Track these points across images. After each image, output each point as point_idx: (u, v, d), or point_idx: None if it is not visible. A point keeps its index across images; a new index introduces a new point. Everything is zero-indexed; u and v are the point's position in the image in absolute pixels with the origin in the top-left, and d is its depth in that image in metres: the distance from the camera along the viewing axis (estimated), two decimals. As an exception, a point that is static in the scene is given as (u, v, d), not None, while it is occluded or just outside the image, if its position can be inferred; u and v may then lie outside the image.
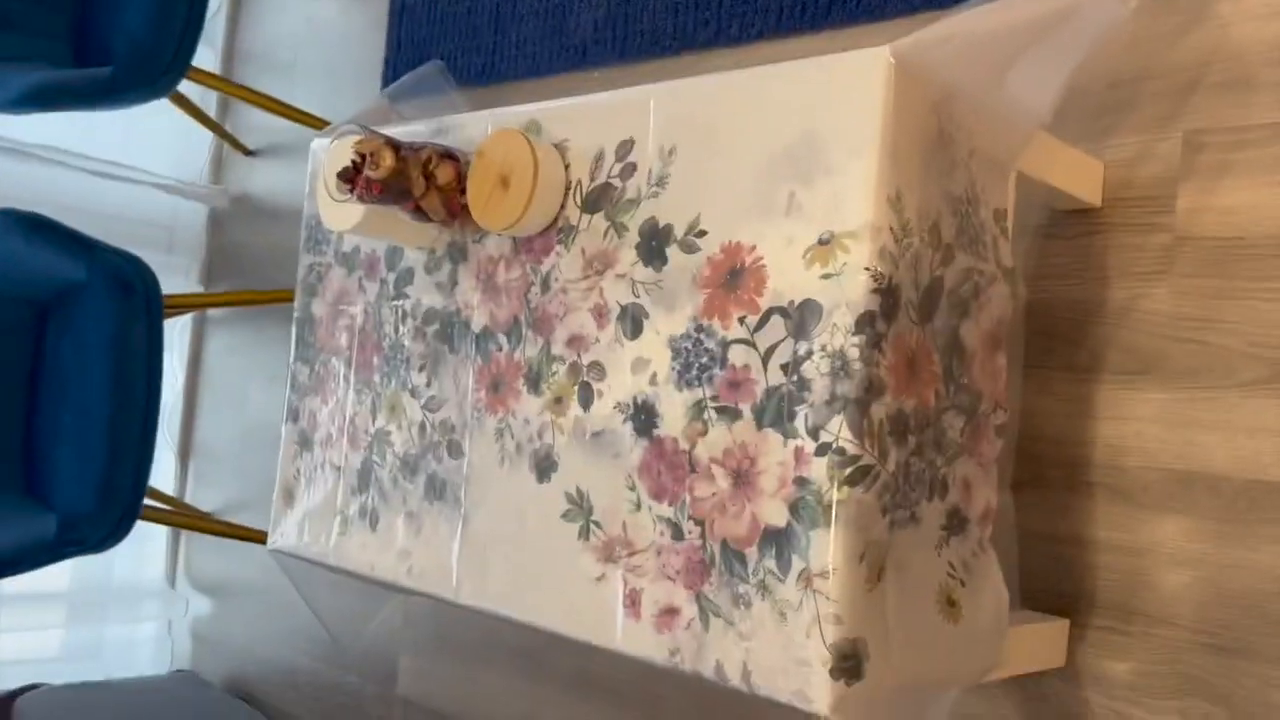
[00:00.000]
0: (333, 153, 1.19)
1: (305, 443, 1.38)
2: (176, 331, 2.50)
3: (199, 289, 2.50)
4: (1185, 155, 1.12)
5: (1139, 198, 1.15)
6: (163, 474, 2.46)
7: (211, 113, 2.46)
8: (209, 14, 1.88)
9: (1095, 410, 1.15)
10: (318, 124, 2.10)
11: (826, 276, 0.88)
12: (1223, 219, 1.09)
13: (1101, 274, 1.16)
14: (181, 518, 2.19)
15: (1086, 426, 1.16)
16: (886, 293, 0.86)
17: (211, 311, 2.49)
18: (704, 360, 0.95)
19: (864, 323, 0.85)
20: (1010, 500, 1.07)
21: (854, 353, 0.85)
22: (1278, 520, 1.04)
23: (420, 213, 1.14)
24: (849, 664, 0.85)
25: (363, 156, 1.10)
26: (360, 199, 1.10)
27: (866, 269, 0.85)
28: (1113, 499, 1.14)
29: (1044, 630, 1.12)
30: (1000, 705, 1.19)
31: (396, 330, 1.27)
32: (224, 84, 2.16)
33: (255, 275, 2.38)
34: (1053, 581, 1.16)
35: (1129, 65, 1.16)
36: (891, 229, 0.86)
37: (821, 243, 0.88)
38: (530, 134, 1.10)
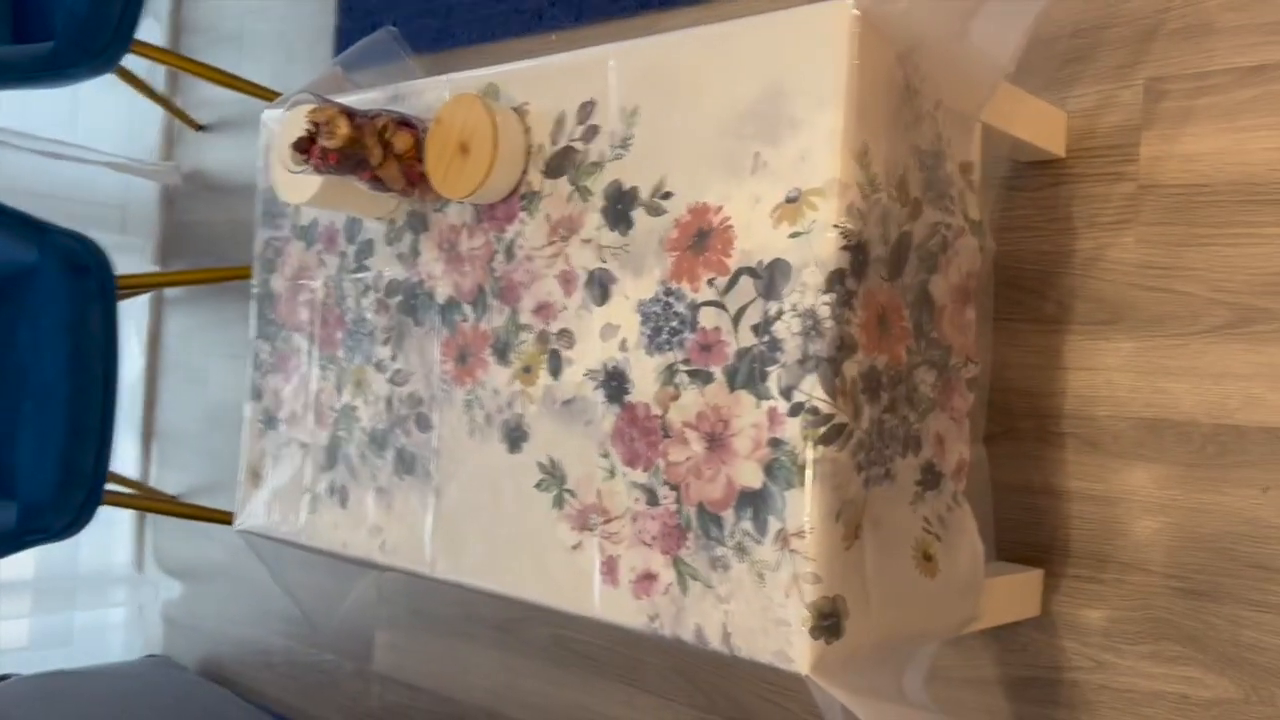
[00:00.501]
0: (286, 124, 1.16)
1: (270, 421, 1.36)
2: (133, 312, 2.46)
3: (154, 268, 2.45)
4: (1147, 103, 1.12)
5: (1102, 147, 1.14)
6: (125, 458, 2.43)
7: (159, 88, 2.40)
8: (152, -15, 1.84)
9: (1064, 361, 1.16)
10: (269, 95, 2.06)
11: (795, 235, 0.87)
12: (1186, 166, 1.09)
13: (1067, 225, 1.16)
14: (146, 501, 2.16)
15: (1056, 377, 1.16)
16: (855, 249, 0.85)
17: (168, 291, 2.44)
18: (674, 324, 0.94)
19: (834, 280, 0.85)
20: (983, 453, 1.07)
21: (825, 311, 0.85)
22: (1246, 464, 1.05)
23: (378, 182, 1.11)
24: (828, 622, 0.85)
25: (317, 126, 1.08)
26: (316, 170, 1.08)
27: (835, 226, 0.84)
28: (1083, 449, 1.14)
29: (1019, 581, 1.13)
30: (978, 657, 1.20)
31: (359, 303, 1.25)
32: (171, 57, 2.11)
33: (211, 252, 2.34)
34: (1026, 532, 1.17)
35: (1089, 14, 1.16)
36: (859, 185, 0.85)
37: (789, 201, 0.87)
38: (488, 98, 1.08)
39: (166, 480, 2.41)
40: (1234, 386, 1.06)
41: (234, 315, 2.27)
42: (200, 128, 2.38)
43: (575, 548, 1.01)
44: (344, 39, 2.03)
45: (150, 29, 2.42)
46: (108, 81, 1.98)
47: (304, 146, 1.07)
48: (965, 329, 0.99)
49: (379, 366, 1.22)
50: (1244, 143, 1.06)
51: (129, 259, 2.38)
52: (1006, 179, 1.20)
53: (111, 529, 2.40)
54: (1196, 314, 1.08)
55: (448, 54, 1.84)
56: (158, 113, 2.41)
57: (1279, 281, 1.04)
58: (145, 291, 2.37)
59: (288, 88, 2.05)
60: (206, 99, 2.37)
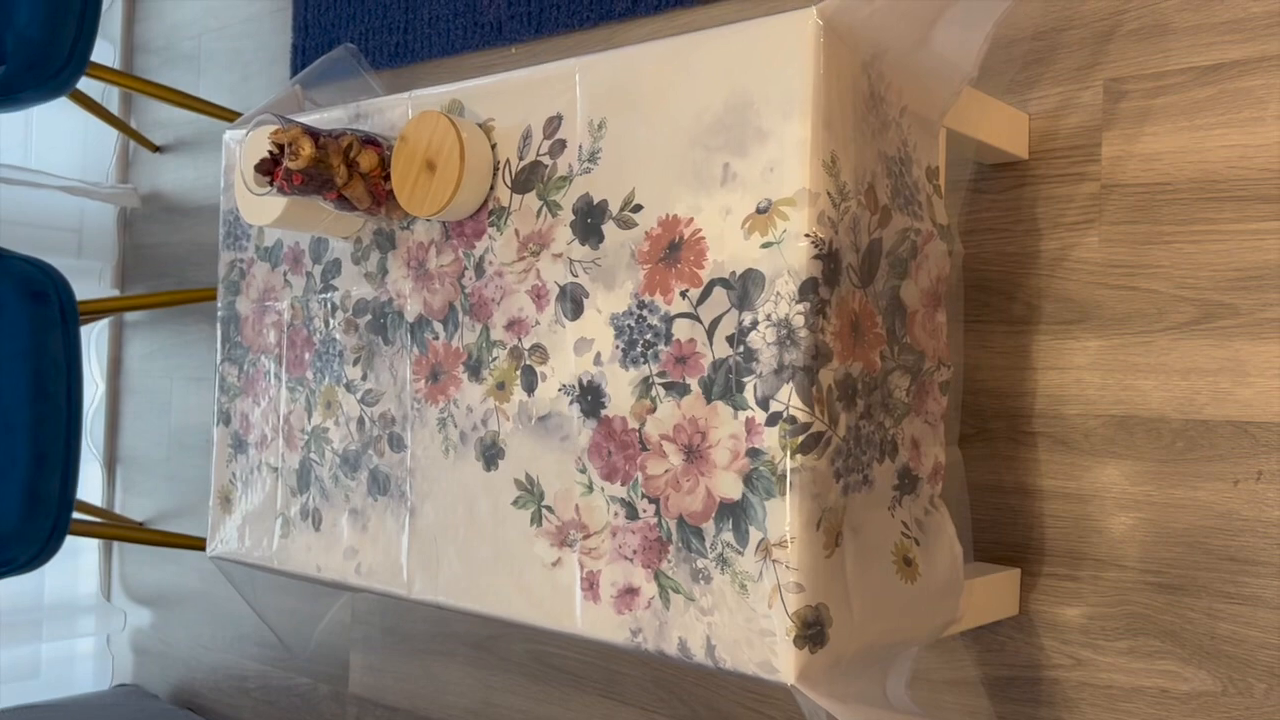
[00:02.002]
0: (249, 144, 1.15)
1: (239, 445, 1.35)
2: (93, 338, 2.42)
3: (113, 292, 2.42)
4: (1107, 103, 1.13)
5: (1064, 148, 1.16)
6: (90, 486, 2.39)
7: (114, 109, 2.37)
8: (104, 6, 1.81)
9: (1033, 361, 1.17)
10: (227, 115, 2.04)
11: (767, 245, 0.87)
12: (1147, 165, 1.11)
13: (1032, 226, 1.17)
14: (113, 529, 2.12)
15: (1026, 377, 1.17)
16: (827, 258, 0.85)
17: (129, 315, 2.41)
18: (648, 337, 0.94)
19: (807, 289, 0.85)
20: (958, 455, 1.08)
21: (799, 320, 0.85)
22: (1215, 458, 1.06)
23: (344, 202, 1.10)
24: (812, 631, 0.85)
25: (280, 147, 1.06)
26: (281, 191, 1.07)
27: (806, 235, 0.85)
28: (1055, 447, 1.15)
29: (997, 581, 1.14)
30: (958, 658, 1.20)
31: (327, 324, 1.23)
32: (126, 79, 2.08)
33: (171, 275, 2.31)
34: (1002, 532, 1.18)
35: (1048, 17, 1.17)
36: (829, 193, 0.85)
37: (759, 211, 0.87)
38: (453, 114, 1.07)
39: (132, 506, 2.37)
40: (1201, 382, 1.07)
41: (195, 337, 2.24)
42: (157, 149, 2.35)
43: (555, 564, 1.00)
44: (301, 57, 2.01)
45: (103, 50, 2.39)
46: (61, 103, 1.95)
47: (267, 168, 1.06)
48: (937, 333, 1.00)
49: (349, 387, 1.21)
50: (1203, 141, 1.08)
51: (87, 283, 2.35)
52: (971, 182, 1.21)
53: (77, 558, 2.36)
54: (1162, 311, 1.09)
55: (407, 69, 1.83)
56: (113, 134, 2.38)
57: (1242, 277, 1.05)
58: (105, 316, 2.33)
59: (246, 107, 2.04)
60: (162, 120, 2.35)
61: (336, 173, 1.07)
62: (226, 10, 2.24)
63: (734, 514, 0.88)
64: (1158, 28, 1.11)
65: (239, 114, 1.98)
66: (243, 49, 2.19)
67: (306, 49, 2.00)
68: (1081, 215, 1.14)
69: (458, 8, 1.76)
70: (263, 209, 1.18)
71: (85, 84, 1.97)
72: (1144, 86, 1.11)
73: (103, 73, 1.92)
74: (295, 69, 2.03)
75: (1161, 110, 1.10)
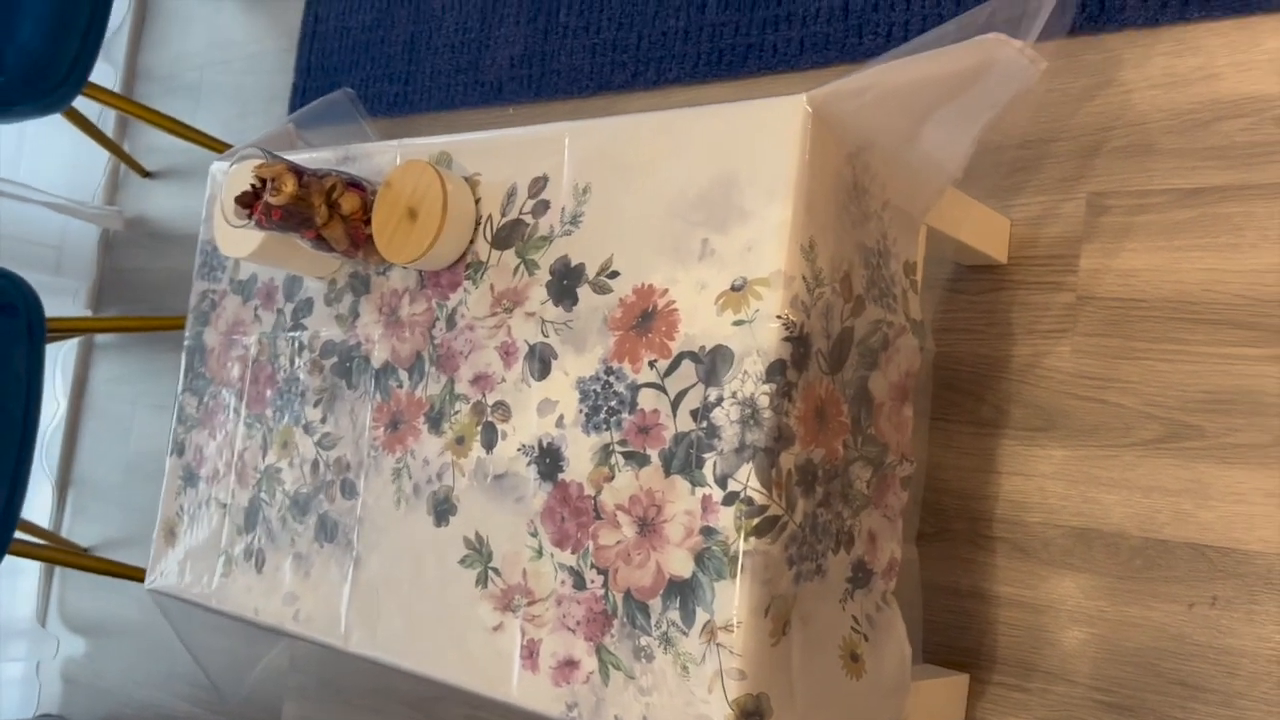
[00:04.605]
0: (232, 176, 1.15)
1: (190, 478, 1.32)
2: (60, 356, 2.39)
3: (86, 313, 2.39)
4: (1088, 217, 1.15)
5: (1044, 256, 1.16)
6: (39, 506, 2.34)
7: (110, 131, 2.37)
8: (111, 30, 1.82)
9: (998, 465, 1.16)
10: (220, 147, 2.04)
11: (739, 323, 0.86)
12: (1123, 280, 1.12)
13: (1006, 330, 1.17)
14: (55, 553, 2.07)
15: (990, 481, 1.16)
16: (798, 341, 0.85)
17: (100, 337, 2.38)
18: (613, 403, 0.93)
19: (775, 370, 0.84)
20: (914, 553, 1.06)
21: (764, 400, 0.84)
22: (1172, 579, 1.05)
23: (322, 242, 1.10)
24: (751, 720, 0.82)
25: (263, 181, 1.06)
26: (259, 225, 1.06)
27: (779, 317, 0.84)
28: (1014, 554, 1.14)
29: (944, 685, 1.12)
30: (900, 761, 1.18)
31: (292, 363, 1.22)
32: (122, 102, 2.09)
33: (148, 301, 2.29)
34: (954, 636, 1.16)
35: (1037, 125, 1.19)
36: (804, 278, 0.85)
37: (734, 289, 0.87)
38: (441, 166, 1.07)
39: (80, 531, 2.32)
40: (1163, 501, 1.07)
41: (164, 365, 2.22)
42: (147, 174, 2.35)
43: (496, 629, 0.98)
44: (301, 98, 2.02)
45: (104, 72, 2.40)
46: (55, 120, 1.95)
47: (248, 201, 1.06)
48: (902, 427, 0.99)
49: (308, 429, 1.19)
50: (1180, 262, 1.09)
51: (61, 301, 2.33)
52: (949, 281, 1.22)
53: (16, 579, 2.31)
54: (1129, 426, 1.09)
55: (404, 119, 1.84)
56: (104, 156, 2.38)
57: (1210, 400, 1.05)
58: (75, 335, 2.31)
59: (240, 141, 2.04)
60: (156, 146, 2.35)
61: (317, 212, 1.06)
62: (233, 45, 2.25)
63: (682, 592, 0.86)
64: (1143, 147, 1.13)
65: (232, 146, 1.99)
66: (244, 84, 2.20)
67: (307, 90, 2.01)
68: (1056, 324, 1.15)
69: (460, 64, 1.78)
70: (240, 241, 1.17)
71: (83, 104, 1.97)
72: (1126, 203, 1.13)
73: (100, 94, 1.92)
74: (293, 108, 2.04)
75: (1141, 228, 1.11)
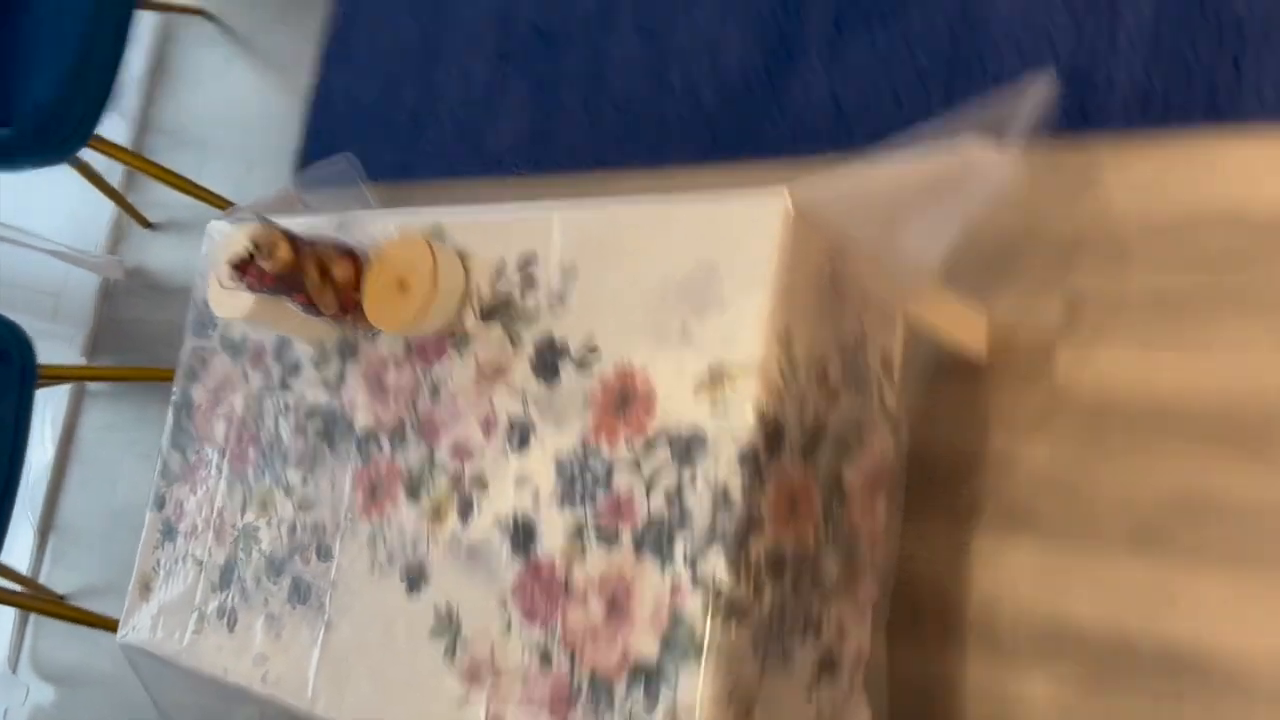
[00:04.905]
0: (228, 239, 1.17)
1: (169, 532, 1.32)
2: (51, 401, 2.40)
3: (80, 360, 2.40)
4: (1065, 317, 1.17)
5: (1021, 354, 1.18)
6: (18, 551, 2.33)
7: (116, 182, 2.40)
8: (126, 85, 1.86)
9: (971, 558, 1.17)
10: (223, 204, 2.07)
11: (714, 407, 0.88)
12: (1098, 381, 1.13)
13: (982, 425, 1.19)
14: (30, 600, 2.06)
15: (961, 574, 1.17)
16: (771, 428, 0.86)
17: (92, 385, 2.39)
18: (588, 480, 0.94)
19: (748, 457, 0.85)
20: (883, 644, 1.06)
21: (736, 485, 0.85)
22: (1140, 679, 1.05)
23: (312, 307, 1.12)
24: (709, 808, 0.82)
25: (258, 246, 1.08)
26: (250, 289, 1.08)
27: (753, 404, 0.86)
28: (983, 649, 1.14)
29: (910, 778, 1.11)
30: None
31: (277, 423, 1.23)
32: (128, 156, 2.12)
33: (142, 351, 2.31)
34: (921, 728, 1.16)
35: (1018, 225, 1.21)
36: (780, 367, 0.87)
37: (711, 374, 0.89)
38: (433, 238, 1.09)
39: (59, 579, 2.31)
40: (1132, 600, 1.07)
41: (155, 416, 2.22)
42: (149, 225, 2.38)
43: (462, 701, 0.98)
44: (305, 160, 2.06)
45: (115, 125, 2.44)
46: (62, 169, 1.98)
47: (241, 265, 1.08)
48: (875, 517, 1.00)
49: (287, 490, 1.19)
50: (1153, 365, 1.11)
51: (55, 347, 2.34)
52: (926, 374, 1.23)
53: (-11, 624, 2.29)
54: (1101, 525, 1.10)
55: (404, 186, 1.87)
56: (108, 204, 2.41)
57: (1180, 503, 1.06)
58: (66, 382, 2.32)
59: (243, 199, 2.07)
60: (160, 199, 2.38)
61: (309, 279, 1.08)
62: (244, 105, 2.30)
63: (648, 674, 0.86)
64: (1120, 250, 1.15)
65: (234, 204, 2.02)
66: (251, 145, 2.24)
67: (311, 153, 2.04)
68: (1031, 421, 1.16)
69: (464, 135, 1.82)
70: (232, 303, 1.19)
71: (90, 155, 2.00)
72: (1102, 305, 1.15)
73: (108, 147, 1.96)
74: (297, 170, 2.07)
75: (1116, 330, 1.13)
